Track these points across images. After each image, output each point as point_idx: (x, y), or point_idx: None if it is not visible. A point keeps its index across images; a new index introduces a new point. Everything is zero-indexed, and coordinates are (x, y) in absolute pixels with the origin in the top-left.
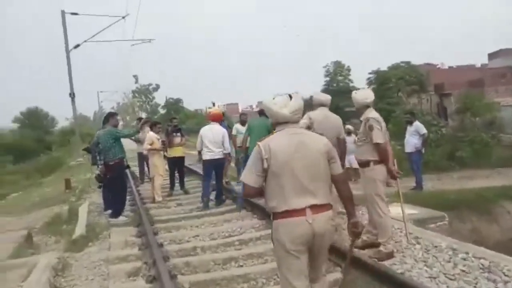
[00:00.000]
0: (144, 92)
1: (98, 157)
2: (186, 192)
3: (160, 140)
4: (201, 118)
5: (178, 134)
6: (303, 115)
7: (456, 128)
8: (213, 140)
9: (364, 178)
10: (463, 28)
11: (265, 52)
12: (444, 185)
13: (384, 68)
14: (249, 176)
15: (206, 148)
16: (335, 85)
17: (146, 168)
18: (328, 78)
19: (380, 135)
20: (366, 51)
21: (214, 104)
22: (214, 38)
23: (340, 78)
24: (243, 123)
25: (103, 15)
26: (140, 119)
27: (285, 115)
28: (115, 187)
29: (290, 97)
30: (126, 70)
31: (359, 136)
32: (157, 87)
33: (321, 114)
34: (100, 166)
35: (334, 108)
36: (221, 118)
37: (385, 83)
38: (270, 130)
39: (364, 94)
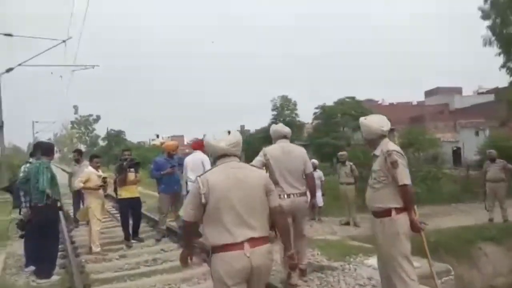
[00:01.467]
0: (84, 123)
1: (23, 198)
2: (140, 241)
3: (101, 178)
4: (144, 151)
5: (132, 169)
6: None
7: None
8: (193, 168)
9: (383, 232)
10: (400, 68)
11: (210, 86)
12: None
13: (329, 103)
14: (187, 211)
15: (188, 178)
16: (282, 119)
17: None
18: (275, 112)
19: (407, 174)
20: (309, 87)
21: (158, 136)
22: (157, 68)
23: (287, 112)
24: None
25: (42, 38)
26: (77, 150)
27: (223, 148)
28: (44, 237)
29: (229, 132)
30: (65, 99)
31: (375, 176)
32: (97, 118)
33: (279, 149)
34: (24, 209)
35: None
36: (202, 146)
37: (332, 117)
38: None
39: (379, 120)
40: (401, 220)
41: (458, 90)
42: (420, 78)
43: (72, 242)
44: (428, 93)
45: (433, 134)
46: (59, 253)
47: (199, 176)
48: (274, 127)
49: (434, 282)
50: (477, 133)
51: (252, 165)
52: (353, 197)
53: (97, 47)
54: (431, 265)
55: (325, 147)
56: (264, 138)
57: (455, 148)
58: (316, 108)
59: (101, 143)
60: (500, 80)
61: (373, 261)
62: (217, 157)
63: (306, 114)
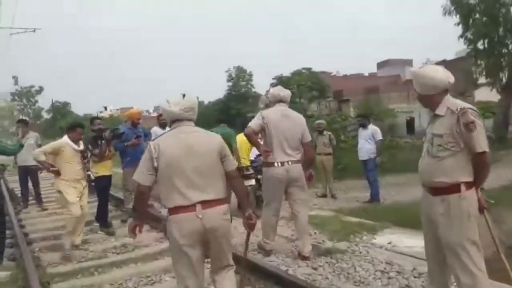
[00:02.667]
0: (26, 95)
1: None
2: (110, 233)
3: (80, 152)
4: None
5: (103, 141)
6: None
7: None
8: None
9: (447, 213)
10: (351, 41)
11: (163, 54)
12: (392, 195)
13: (286, 74)
14: (141, 175)
15: None
16: (237, 90)
17: (31, 185)
18: (230, 83)
19: (485, 139)
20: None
21: (106, 108)
22: (104, 37)
23: (242, 83)
24: (163, 126)
25: None
26: (22, 121)
27: (176, 112)
28: None
29: (184, 96)
30: (4, 68)
31: (440, 142)
32: (40, 90)
33: (278, 112)
34: None
35: (236, 114)
36: None
37: (288, 88)
38: (231, 140)
39: (443, 71)
40: (471, 198)
41: (408, 62)
42: (371, 50)
43: (22, 227)
44: (380, 65)
45: (388, 104)
46: (7, 241)
47: (151, 140)
48: (270, 90)
49: (508, 273)
50: None
51: (249, 127)
52: (331, 167)
53: (38, 8)
54: (501, 252)
55: None
56: (221, 110)
57: (408, 118)
58: (274, 78)
59: (46, 115)
60: (448, 53)
61: (381, 240)
62: (171, 121)
63: (261, 86)
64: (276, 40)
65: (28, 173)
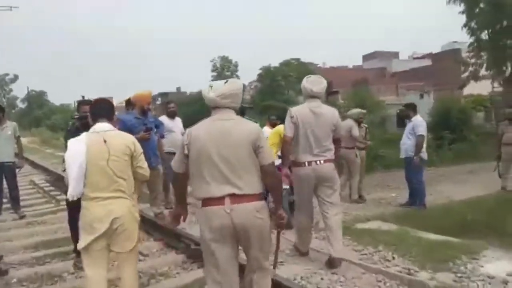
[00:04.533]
0: None
1: None
2: None
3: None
4: (69, 113)
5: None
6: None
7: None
8: None
9: None
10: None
11: (143, 41)
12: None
13: (274, 64)
14: (175, 162)
15: None
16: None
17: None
18: (215, 73)
19: None
20: (251, 48)
21: (83, 97)
22: (80, 23)
23: (227, 73)
24: (171, 115)
25: None
26: None
27: (211, 98)
28: None
29: (226, 82)
30: None
31: None
32: (15, 78)
33: (308, 109)
34: None
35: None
36: None
37: (275, 80)
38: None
39: None
40: None
41: (395, 55)
42: (355, 40)
43: None
44: (366, 57)
45: (377, 97)
46: None
47: (189, 127)
48: (303, 82)
49: None
50: (421, 96)
51: (285, 135)
52: (364, 164)
53: None
54: None
55: (271, 110)
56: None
57: (398, 111)
58: (260, 69)
59: (21, 105)
60: (434, 46)
61: (494, 269)
62: (211, 108)
63: (248, 76)
64: (259, 27)
65: (3, 171)
